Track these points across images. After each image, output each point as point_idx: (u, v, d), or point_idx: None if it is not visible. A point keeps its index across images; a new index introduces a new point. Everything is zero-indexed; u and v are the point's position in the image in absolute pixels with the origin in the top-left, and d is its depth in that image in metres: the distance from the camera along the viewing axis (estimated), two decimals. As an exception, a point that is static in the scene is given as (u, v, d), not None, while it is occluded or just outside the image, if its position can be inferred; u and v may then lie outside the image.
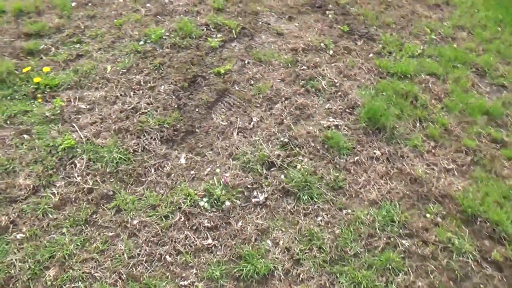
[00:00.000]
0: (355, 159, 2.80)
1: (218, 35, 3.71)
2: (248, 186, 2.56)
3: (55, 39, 3.57)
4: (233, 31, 3.75)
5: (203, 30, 3.76)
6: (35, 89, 3.09)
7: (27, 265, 2.10)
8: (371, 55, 3.74)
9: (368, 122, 3.02)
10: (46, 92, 3.07)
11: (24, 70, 3.20)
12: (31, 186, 2.45)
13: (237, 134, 2.88)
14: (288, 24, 3.97)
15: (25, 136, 2.76)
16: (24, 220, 2.30)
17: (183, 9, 4.01)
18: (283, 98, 3.14)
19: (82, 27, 3.72)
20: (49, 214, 2.33)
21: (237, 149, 2.76)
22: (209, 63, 3.43)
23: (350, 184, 2.66)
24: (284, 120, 2.96)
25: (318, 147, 2.81)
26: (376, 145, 2.91)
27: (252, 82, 3.28)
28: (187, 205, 2.41)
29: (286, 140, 2.81)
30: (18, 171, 2.54)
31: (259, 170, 2.64)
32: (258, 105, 3.10)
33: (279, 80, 3.31)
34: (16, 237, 2.22)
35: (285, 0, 4.32)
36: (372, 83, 3.41)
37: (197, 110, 3.03)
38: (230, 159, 2.71)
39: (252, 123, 2.95)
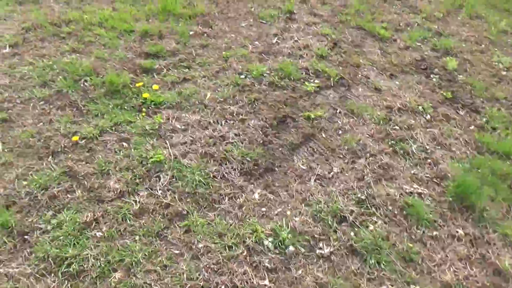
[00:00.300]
0: (434, 233, 2.62)
1: (316, 81, 3.80)
2: (315, 235, 2.52)
3: (169, 61, 3.94)
4: (331, 79, 3.81)
5: (302, 73, 3.87)
6: (142, 103, 3.42)
7: (99, 263, 2.28)
8: (472, 127, 3.53)
9: (456, 198, 2.82)
10: (150, 107, 3.38)
11: (137, 85, 3.57)
12: (119, 190, 2.69)
13: (315, 181, 2.87)
14: (387, 81, 3.92)
15: (124, 143, 3.05)
16: (105, 220, 2.52)
17: (287, 51, 4.18)
18: (368, 154, 3.08)
19: (194, 54, 4.06)
20: (128, 220, 2.52)
21: (312, 196, 2.76)
22: (301, 106, 3.50)
23: (424, 259, 2.48)
24: (365, 177, 2.90)
25: (396, 212, 2.68)
26: (461, 224, 2.70)
27: (340, 132, 3.28)
28: (252, 241, 2.44)
29: (363, 197, 2.74)
30: (111, 174, 2.80)
31: (330, 222, 2.59)
32: (341, 156, 3.07)
33: (367, 135, 3.26)
34: (95, 234, 2.43)
35: (390, 57, 4.29)
36: (468, 157, 3.21)
37: (280, 149, 3.10)
38: (303, 205, 2.70)
39: (332, 173, 2.93)
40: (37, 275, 2.24)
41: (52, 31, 4.27)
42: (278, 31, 4.54)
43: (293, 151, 3.11)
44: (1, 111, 3.28)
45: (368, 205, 2.70)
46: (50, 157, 2.93)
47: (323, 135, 3.24)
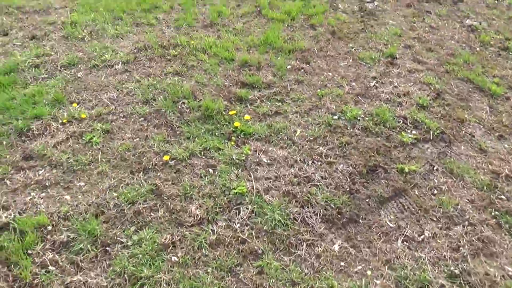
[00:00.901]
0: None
1: (413, 132, 3.56)
2: (397, 305, 2.28)
3: (264, 93, 3.97)
4: (431, 132, 3.54)
5: (399, 122, 3.66)
6: (232, 132, 3.46)
7: (170, 288, 2.28)
8: None
9: None
10: (240, 137, 3.41)
11: (230, 113, 3.64)
12: (199, 217, 2.70)
13: (402, 242, 2.64)
14: (495, 143, 3.55)
15: (210, 170, 3.09)
16: (182, 245, 2.53)
17: (385, 96, 4.00)
18: (467, 223, 2.76)
19: (289, 89, 4.06)
20: (203, 249, 2.51)
21: (397, 259, 2.52)
22: (395, 157, 3.29)
23: None
24: (461, 248, 2.59)
25: (495, 297, 2.34)
26: None
27: (436, 192, 3.00)
28: (326, 297, 2.28)
29: (457, 271, 2.44)
30: (194, 199, 2.83)
31: (415, 293, 2.34)
32: (435, 219, 2.80)
33: (467, 201, 2.94)
34: (171, 258, 2.44)
35: (500, 115, 3.90)
36: None
37: (367, 201, 2.91)
38: (386, 267, 2.48)
39: (422, 236, 2.67)
40: (111, 289, 2.29)
41: (160, 53, 4.56)
42: (377, 74, 4.39)
43: (381, 205, 2.90)
44: (106, 122, 3.53)
45: (462, 282, 2.40)
46: (141, 173, 3.05)
47: (416, 192, 2.99)
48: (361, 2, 6.24)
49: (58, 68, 4.27)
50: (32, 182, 2.96)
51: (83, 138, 3.36)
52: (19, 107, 3.64)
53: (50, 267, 2.39)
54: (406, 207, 2.89)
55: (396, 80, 4.31)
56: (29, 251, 2.47)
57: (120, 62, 4.38)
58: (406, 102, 3.94)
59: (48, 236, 2.56)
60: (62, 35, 4.91)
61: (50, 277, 2.33)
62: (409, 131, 3.58)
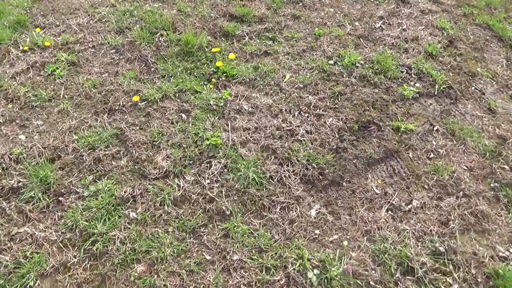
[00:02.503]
0: (524, 320, 2.05)
1: (416, 84, 3.17)
2: (371, 282, 2.08)
3: (253, 28, 3.52)
4: (436, 86, 3.16)
5: (402, 72, 3.26)
6: (213, 72, 3.08)
7: (124, 248, 2.07)
8: None
9: None
10: (221, 79, 3.04)
11: (213, 50, 3.23)
12: (165, 169, 2.43)
13: (387, 211, 2.39)
14: (507, 102, 3.18)
15: (183, 115, 2.77)
16: (143, 200, 2.29)
17: (391, 40, 3.55)
18: (461, 193, 2.50)
19: (283, 25, 3.60)
20: (166, 206, 2.27)
21: (379, 230, 2.29)
22: (392, 113, 2.95)
23: None
24: (451, 222, 2.35)
25: (479, 280, 2.14)
26: None
27: (432, 156, 2.70)
28: (294, 269, 2.07)
29: (441, 248, 2.22)
30: (161, 148, 2.55)
31: (392, 270, 2.13)
32: (426, 187, 2.53)
33: (465, 168, 2.65)
34: (129, 214, 2.21)
35: (517, 70, 3.48)
36: None
37: (354, 162, 2.62)
38: (365, 238, 2.25)
39: (409, 206, 2.42)
40: (60, 244, 2.08)
41: (143, -27, 4.02)
42: (385, 14, 3.88)
43: (369, 167, 2.62)
44: (72, 53, 3.14)
45: (446, 260, 2.18)
46: (106, 114, 2.74)
47: (410, 155, 2.70)
48: None
49: (25, -16, 3.77)
50: (-16, 118, 2.66)
51: (46, 69, 3.00)
52: (-24, 28, 3.24)
53: (-5, 216, 2.17)
54: (396, 172, 2.61)
55: (405, 22, 3.82)
56: (-27, 197, 2.24)
57: (96, -18, 3.87)
58: (413, 49, 3.50)
59: (-4, 181, 2.32)
60: None
61: (-6, 228, 2.12)
62: (412, 83, 3.19)
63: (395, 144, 2.74)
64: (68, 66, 3.04)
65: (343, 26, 3.68)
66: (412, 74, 3.25)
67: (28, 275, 1.94)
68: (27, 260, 1.99)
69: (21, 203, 2.23)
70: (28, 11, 3.48)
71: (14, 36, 3.20)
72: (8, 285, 1.91)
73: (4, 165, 2.39)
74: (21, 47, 3.12)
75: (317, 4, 3.89)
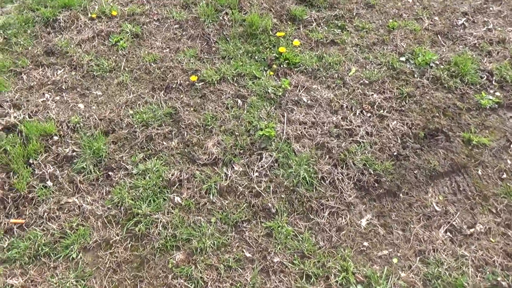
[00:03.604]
0: None
1: (496, 93, 2.86)
2: (418, 308, 1.93)
3: (323, 14, 3.32)
4: (520, 98, 2.82)
5: (482, 77, 2.94)
6: (275, 58, 2.95)
7: (165, 233, 2.05)
8: None
9: None
10: (282, 66, 2.90)
11: (278, 34, 3.08)
12: (214, 156, 2.37)
13: (445, 232, 2.19)
14: None
15: (239, 101, 2.68)
16: (189, 185, 2.25)
17: (473, 40, 3.21)
18: (535, 224, 2.23)
19: (354, 13, 3.36)
20: (211, 195, 2.22)
21: (434, 252, 2.10)
22: (464, 122, 2.68)
23: None
24: (518, 255, 2.11)
25: (544, 325, 1.91)
26: None
27: (504, 176, 2.43)
28: (336, 281, 1.96)
29: (504, 284, 2.00)
30: (213, 134, 2.48)
31: (444, 298, 1.96)
32: (494, 211, 2.28)
33: (543, 196, 2.36)
34: (174, 198, 2.18)
35: None
36: None
37: (415, 172, 2.42)
38: (417, 258, 2.08)
39: (472, 230, 2.20)
40: (105, 220, 2.10)
41: None
42: (470, 9, 3.52)
43: (431, 180, 2.40)
44: (137, 24, 3.13)
45: (507, 298, 1.97)
46: (163, 91, 2.71)
47: (479, 172, 2.44)
48: None
49: (99, -50, 3.78)
50: (49, 82, 2.72)
51: (110, 39, 3.01)
52: (50, -9, 3.30)
53: (49, 182, 2.23)
54: (461, 189, 2.38)
55: (492, 20, 3.44)
56: (31, 160, 2.30)
57: (167, -48, 3.80)
58: (497, 53, 3.14)
59: (53, 147, 2.37)
60: None
61: (46, 193, 2.18)
62: (491, 91, 2.87)
63: (464, 158, 2.49)
64: (132, 38, 3.03)
65: (420, 20, 3.37)
66: (493, 81, 2.93)
67: (72, 247, 1.98)
68: (73, 231, 2.03)
69: (73, 173, 2.27)
70: (100, -22, 3.49)
71: (84, 2, 3.23)
72: (53, 253, 1.96)
73: (61, 133, 2.44)
74: (89, 15, 3.14)
75: (395, -7, 3.59)
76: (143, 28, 3.10)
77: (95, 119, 2.51)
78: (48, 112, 2.54)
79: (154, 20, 3.17)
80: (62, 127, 2.46)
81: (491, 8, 3.57)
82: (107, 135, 2.46)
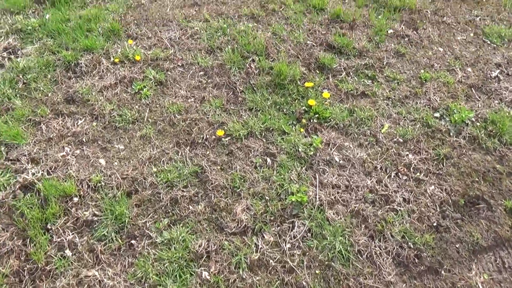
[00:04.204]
0: None
1: (538, 156, 2.71)
2: None
3: (352, 63, 3.20)
4: None
5: (521, 138, 2.81)
6: (304, 112, 2.82)
7: (193, 316, 1.89)
8: None
9: None
10: (312, 120, 2.77)
11: (306, 85, 2.97)
12: (243, 224, 2.22)
13: (493, 318, 2.02)
14: None
15: (268, 160, 2.54)
16: (217, 258, 2.09)
17: (509, 96, 3.08)
18: None
19: (384, 63, 3.25)
20: (241, 270, 2.06)
21: None
22: (506, 189, 2.53)
23: None
24: None
25: None
26: None
27: (553, 253, 2.27)
28: None
29: None
30: (241, 197, 2.34)
31: None
32: (544, 294, 2.12)
33: None
34: (201, 273, 2.03)
35: None
36: None
37: (457, 246, 2.26)
38: None
39: (522, 317, 2.04)
40: (128, 297, 1.95)
41: (239, -14, 3.82)
42: (503, 61, 3.40)
43: (474, 256, 2.25)
44: (161, 70, 3.02)
45: None
46: (189, 147, 2.58)
47: (525, 248, 2.29)
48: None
49: (122, -12, 3.71)
50: (69, 134, 2.60)
51: (133, 86, 2.90)
52: (71, 32, 3.20)
53: (67, 251, 2.08)
54: (506, 266, 2.22)
55: (527, 73, 3.31)
56: (49, 225, 2.16)
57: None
58: (536, 110, 3.01)
59: (73, 210, 2.23)
60: None
61: (64, 265, 2.03)
62: (532, 154, 2.73)
63: (508, 231, 2.34)
64: (155, 85, 2.92)
65: (453, 71, 3.25)
66: (534, 143, 2.79)
67: (93, 332, 1.82)
68: (94, 313, 1.88)
69: (93, 240, 2.13)
70: (122, 17, 3.41)
71: (107, 45, 3.13)
72: None
73: (81, 193, 2.30)
74: (112, 59, 3.04)
75: (425, 41, 3.48)
76: (167, 74, 3.00)
77: (117, 177, 2.38)
78: (67, 168, 2.41)
79: (179, 65, 3.07)
80: (82, 186, 2.33)
81: (525, 59, 3.45)
82: (130, 196, 2.32)
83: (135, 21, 3.39)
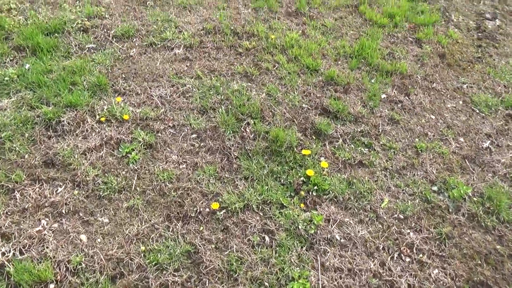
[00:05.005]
0: None
1: (536, 236, 2.68)
2: None
3: (348, 129, 3.14)
4: (561, 244, 2.65)
5: (518, 216, 2.78)
6: (302, 183, 2.69)
7: None
8: None
9: None
10: (311, 192, 2.65)
11: (303, 152, 2.85)
12: (243, 317, 2.02)
13: None
14: None
15: (266, 238, 2.37)
16: None
17: (502, 169, 3.08)
18: None
19: (380, 130, 3.20)
20: None
21: None
22: (508, 273, 2.45)
23: None
24: None
25: None
26: None
27: None
28: None
29: None
30: (239, 283, 2.14)
31: None
32: None
33: None
34: None
35: None
36: None
37: None
38: None
39: None
40: None
41: (231, 42, 3.75)
42: (492, 131, 3.43)
43: None
44: (150, 132, 2.83)
45: None
46: (180, 221, 2.38)
47: None
48: (479, 17, 5.08)
49: (110, 38, 3.55)
50: (47, 204, 2.35)
51: (120, 149, 2.69)
52: (53, 85, 2.99)
53: None
54: None
55: (516, 145, 3.35)
56: (19, 321, 1.88)
57: (182, 46, 3.61)
58: (528, 186, 3.01)
59: (48, 300, 1.96)
60: (122, -8, 4.15)
61: None
62: (530, 234, 2.70)
63: (515, 322, 2.24)
64: (145, 148, 2.73)
65: (446, 141, 3.24)
66: (531, 221, 2.76)
67: None
68: None
69: (72, 337, 1.86)
70: (109, 70, 3.23)
71: (92, 101, 2.93)
72: None
73: (59, 277, 2.04)
74: (97, 117, 2.84)
75: (417, 108, 3.48)
76: (157, 136, 2.81)
77: (101, 258, 2.14)
78: (43, 246, 2.15)
79: (170, 126, 2.90)
80: (60, 270, 2.07)
81: (513, 130, 3.50)
82: (114, 282, 2.08)
83: (123, 75, 3.22)
